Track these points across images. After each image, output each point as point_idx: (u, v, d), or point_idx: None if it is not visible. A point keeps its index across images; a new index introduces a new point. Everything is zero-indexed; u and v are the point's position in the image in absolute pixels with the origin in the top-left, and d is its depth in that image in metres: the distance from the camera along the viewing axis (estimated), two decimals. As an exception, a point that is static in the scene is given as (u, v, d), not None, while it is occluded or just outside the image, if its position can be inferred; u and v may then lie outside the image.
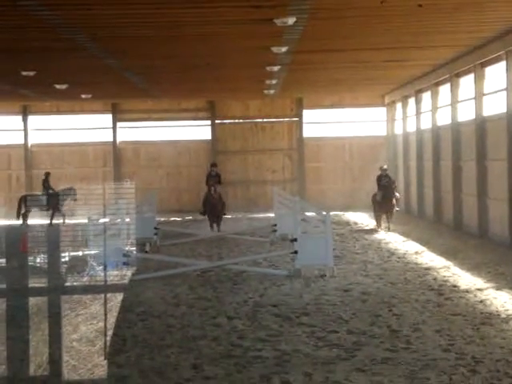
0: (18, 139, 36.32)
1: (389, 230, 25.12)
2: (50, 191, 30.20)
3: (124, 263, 17.47)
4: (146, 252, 20.80)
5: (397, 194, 26.03)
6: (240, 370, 9.42)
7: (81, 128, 36.65)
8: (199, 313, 13.04)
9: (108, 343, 10.94)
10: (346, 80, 28.04)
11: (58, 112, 36.35)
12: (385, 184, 25.54)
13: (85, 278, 16.77)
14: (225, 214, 26.41)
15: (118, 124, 36.66)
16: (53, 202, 29.78)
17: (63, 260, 17.34)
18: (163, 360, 9.97)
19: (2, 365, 10.16)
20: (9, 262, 9.86)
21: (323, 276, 16.37)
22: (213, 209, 25.41)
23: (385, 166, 26.88)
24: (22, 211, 29.56)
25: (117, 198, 16.90)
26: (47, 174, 30.99)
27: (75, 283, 16.35)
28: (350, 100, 35.96)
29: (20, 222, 29.35)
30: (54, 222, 29.82)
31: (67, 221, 29.25)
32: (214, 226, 25.73)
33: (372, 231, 25.76)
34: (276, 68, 22.81)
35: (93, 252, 17.49)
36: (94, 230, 17.87)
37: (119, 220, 19.79)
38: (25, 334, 10.27)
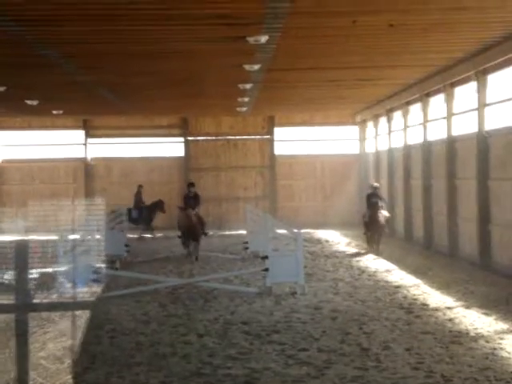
0: (-12, 154, 36.05)
1: (377, 252, 23.46)
2: (142, 205, 30.36)
3: (94, 280, 17.36)
4: (117, 269, 20.67)
5: (385, 213, 24.31)
6: (210, 388, 9.38)
7: (52, 144, 36.46)
8: (169, 330, 12.98)
9: (76, 361, 10.85)
10: (318, 98, 28.18)
11: (29, 128, 36.13)
12: (373, 203, 23.96)
13: (54, 295, 16.62)
14: (206, 234, 23.83)
15: (90, 140, 36.51)
16: (145, 216, 29.65)
17: (32, 276, 17.20)
18: (132, 378, 9.90)
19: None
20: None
21: (294, 294, 16.37)
22: (191, 230, 22.76)
23: (375, 184, 25.43)
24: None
25: (87, 214, 16.84)
26: (140, 187, 31.15)
27: (44, 300, 16.20)
28: (322, 118, 36.17)
29: None
30: (145, 235, 30.02)
31: (157, 234, 29.66)
32: (191, 247, 23.16)
33: (342, 250, 25.82)
34: (248, 86, 22.88)
35: (62, 269, 17.36)
36: (64, 246, 17.76)
37: (89, 236, 19.67)
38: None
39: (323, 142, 36.81)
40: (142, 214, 30.03)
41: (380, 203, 23.88)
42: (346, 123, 36.70)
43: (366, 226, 24.35)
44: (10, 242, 25.76)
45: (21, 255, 8.59)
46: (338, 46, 16.85)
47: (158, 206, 31.10)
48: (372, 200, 24.01)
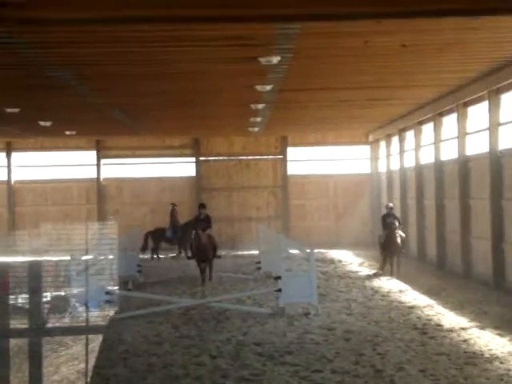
0: (1, 176, 36.19)
1: (392, 274, 22.83)
2: (177, 224, 30.04)
3: (106, 301, 17.35)
4: (129, 290, 20.65)
5: (402, 234, 23.61)
6: (223, 410, 9.32)
7: (64, 165, 36.59)
8: (182, 351, 12.93)
9: (90, 383, 10.81)
10: (330, 118, 28.19)
11: (42, 149, 36.27)
12: (389, 223, 23.29)
13: (66, 319, 16.62)
14: (219, 257, 23.36)
15: (102, 161, 36.61)
16: (179, 236, 29.44)
17: (45, 300, 17.23)
18: (145, 400, 9.86)
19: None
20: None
21: (307, 314, 16.29)
22: (201, 252, 22.16)
23: (390, 204, 24.85)
24: (151, 246, 29.39)
25: (100, 236, 16.85)
26: (174, 206, 30.89)
27: (57, 324, 16.19)
28: (334, 138, 36.17)
29: (147, 255, 29.32)
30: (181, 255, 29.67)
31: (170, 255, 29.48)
32: (203, 274, 22.20)
33: (356, 270, 25.71)
34: (260, 106, 22.92)
35: (75, 291, 17.34)
36: (77, 267, 17.76)
37: (102, 257, 19.68)
38: (5, 375, 10.15)
39: (336, 162, 36.80)
40: (177, 233, 29.82)
41: (396, 224, 23.26)
42: (358, 143, 36.69)
43: (382, 247, 23.74)
44: (23, 262, 25.87)
45: (34, 277, 8.59)
46: (349, 66, 16.86)
47: (192, 225, 30.33)
48: (387, 220, 23.50)
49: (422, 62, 16.64)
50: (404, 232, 24.72)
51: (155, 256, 29.89)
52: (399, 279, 22.10)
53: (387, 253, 23.35)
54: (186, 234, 28.80)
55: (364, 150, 36.99)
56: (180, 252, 30.09)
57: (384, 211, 24.75)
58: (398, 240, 23.07)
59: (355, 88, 20.25)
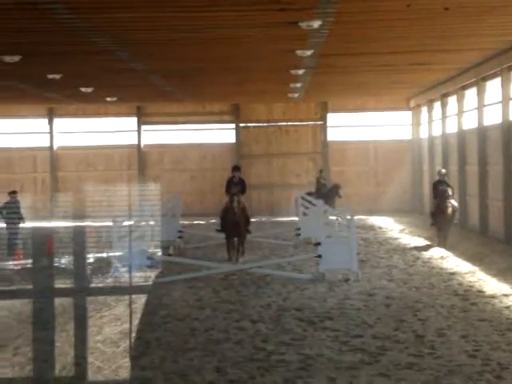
0: (44, 142, 36.57)
1: (445, 245, 21.58)
2: (323, 190, 28.87)
3: (148, 266, 17.54)
4: (170, 255, 20.82)
5: (454, 203, 22.10)
6: (263, 373, 9.40)
7: (106, 131, 36.84)
8: (223, 316, 13.03)
9: (132, 345, 10.96)
10: (371, 83, 27.92)
11: (84, 115, 36.53)
12: (441, 191, 21.78)
13: (109, 280, 16.85)
14: (249, 232, 20.51)
15: (143, 127, 36.77)
16: (328, 201, 28.05)
17: (88, 261, 17.51)
18: (187, 363, 9.97)
19: (27, 365, 10.21)
20: (35, 264, 9.97)
21: (347, 280, 16.30)
22: (234, 226, 19.57)
23: (443, 170, 23.45)
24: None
25: (142, 200, 16.98)
26: (320, 172, 29.84)
27: (100, 285, 16.43)
28: (375, 103, 35.85)
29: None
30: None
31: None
32: (233, 251, 20.04)
33: (396, 236, 25.61)
34: (301, 71, 22.76)
35: (117, 254, 17.56)
36: (119, 232, 17.96)
37: (144, 223, 19.86)
38: (50, 335, 10.35)
39: (376, 128, 36.52)
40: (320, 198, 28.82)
41: (449, 191, 21.81)
42: (399, 108, 36.33)
43: (432, 217, 22.38)
44: (66, 228, 26.23)
45: (78, 241, 8.72)
46: (391, 30, 16.63)
47: (335, 190, 29.52)
48: (440, 188, 21.99)
49: (465, 26, 16.35)
50: (455, 201, 22.95)
51: None
52: (449, 250, 21.07)
53: (438, 223, 22.01)
54: (329, 200, 27.86)
55: (405, 116, 36.63)
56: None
57: (436, 178, 23.46)
58: (450, 210, 21.71)
59: (396, 52, 20.00)
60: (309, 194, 28.00)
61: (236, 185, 20.08)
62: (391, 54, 20.16)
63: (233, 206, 19.32)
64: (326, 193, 27.83)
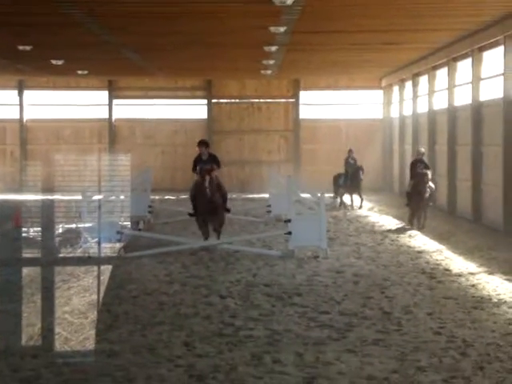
0: (14, 114, 36.22)
1: (421, 228, 20.86)
2: (351, 170, 27.44)
3: (117, 239, 17.51)
4: (140, 230, 20.78)
5: (431, 185, 21.22)
6: (231, 348, 9.45)
7: (76, 104, 36.55)
8: (192, 291, 13.05)
9: (99, 319, 10.96)
10: (344, 62, 27.97)
11: (54, 87, 36.22)
12: (419, 172, 21.00)
13: (78, 251, 16.80)
14: (228, 211, 18.21)
15: (114, 101, 36.55)
16: (354, 181, 27.08)
17: (57, 233, 17.45)
18: (155, 337, 9.99)
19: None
20: (2, 235, 9.91)
21: (316, 257, 16.39)
22: (209, 207, 17.25)
23: (422, 150, 22.57)
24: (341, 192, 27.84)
25: (111, 174, 16.90)
26: (350, 151, 28.29)
27: (68, 255, 16.38)
28: (347, 82, 35.94)
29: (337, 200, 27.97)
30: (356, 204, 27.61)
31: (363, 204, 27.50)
32: (210, 231, 17.88)
33: (365, 214, 25.77)
34: (274, 48, 22.73)
35: (86, 225, 17.49)
36: (88, 206, 17.89)
37: (113, 197, 19.80)
38: (17, 306, 10.31)
39: (348, 106, 36.62)
40: (347, 180, 27.39)
41: (428, 175, 20.92)
42: (371, 87, 36.44)
43: (408, 198, 21.42)
44: (36, 201, 26.05)
45: (47, 213, 8.69)
46: (362, 8, 16.67)
47: (359, 171, 27.87)
48: (419, 171, 21.05)
49: (437, 5, 16.44)
50: (433, 182, 21.95)
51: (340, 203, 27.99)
52: (424, 233, 20.32)
53: (414, 205, 21.14)
54: (354, 180, 27.05)
55: (377, 95, 36.76)
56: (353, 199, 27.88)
57: (414, 157, 22.59)
58: (427, 194, 20.85)
59: (368, 31, 20.05)
60: (339, 175, 27.78)
61: (205, 163, 17.62)
62: (363, 32, 20.20)
63: (204, 185, 17.04)
64: (353, 173, 27.27)
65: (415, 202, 21.01)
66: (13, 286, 13.59)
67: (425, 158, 22.02)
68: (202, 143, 18.15)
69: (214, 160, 17.80)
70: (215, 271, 15.00)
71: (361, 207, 27.41)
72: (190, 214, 18.28)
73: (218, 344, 9.61)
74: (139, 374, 8.38)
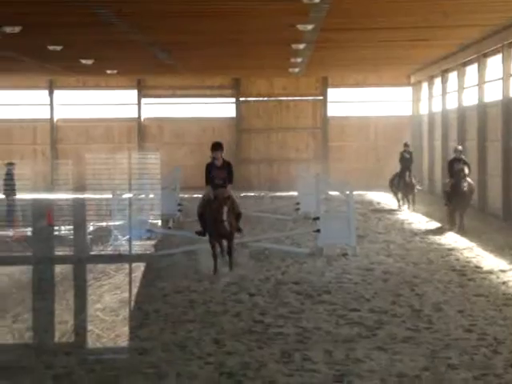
0: (44, 114, 36.53)
1: (461, 229, 19.87)
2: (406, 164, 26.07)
3: (148, 237, 17.63)
4: (169, 228, 20.87)
5: (471, 182, 20.29)
6: (261, 345, 9.48)
7: (106, 103, 36.78)
8: (221, 289, 13.10)
9: (131, 316, 11.05)
10: (372, 59, 27.85)
11: (84, 87, 36.47)
12: (457, 170, 20.05)
13: (109, 249, 16.93)
14: (240, 231, 15.40)
15: (143, 100, 36.73)
16: (407, 182, 25.63)
17: (88, 231, 17.61)
18: (185, 334, 10.05)
19: (27, 333, 10.31)
20: (35, 234, 10.05)
21: (345, 255, 16.36)
22: (222, 234, 14.73)
23: (459, 147, 21.31)
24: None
25: (141, 173, 17.02)
26: (405, 145, 26.83)
27: (100, 253, 16.51)
28: (375, 79, 35.80)
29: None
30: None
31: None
32: (220, 255, 15.18)
33: (394, 211, 25.64)
34: (301, 46, 22.70)
35: (117, 223, 17.62)
36: (119, 204, 18.03)
37: (143, 196, 19.92)
38: (50, 303, 10.43)
39: (376, 104, 36.48)
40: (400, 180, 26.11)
41: (465, 170, 19.97)
42: (399, 84, 36.29)
43: (447, 197, 20.56)
44: (67, 199, 26.24)
45: (78, 211, 8.78)
46: (391, 5, 16.60)
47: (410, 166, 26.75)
48: (456, 166, 20.22)
49: (467, 2, 16.32)
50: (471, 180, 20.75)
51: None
52: (464, 235, 19.30)
53: (454, 205, 20.25)
54: (400, 181, 25.84)
55: (405, 92, 36.59)
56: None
57: (452, 155, 21.46)
58: (466, 190, 19.91)
59: (397, 28, 19.96)
60: (393, 176, 26.63)
61: (219, 170, 14.87)
62: (392, 29, 20.11)
63: (221, 217, 14.20)
64: (408, 166, 26.36)
65: (455, 202, 20.17)
66: (45, 283, 13.76)
67: (463, 156, 21.02)
68: (218, 146, 14.98)
69: (228, 169, 14.97)
70: (244, 269, 15.00)
71: (413, 209, 25.49)
72: (198, 233, 15.50)
73: (247, 341, 9.64)
74: (170, 371, 8.45)
